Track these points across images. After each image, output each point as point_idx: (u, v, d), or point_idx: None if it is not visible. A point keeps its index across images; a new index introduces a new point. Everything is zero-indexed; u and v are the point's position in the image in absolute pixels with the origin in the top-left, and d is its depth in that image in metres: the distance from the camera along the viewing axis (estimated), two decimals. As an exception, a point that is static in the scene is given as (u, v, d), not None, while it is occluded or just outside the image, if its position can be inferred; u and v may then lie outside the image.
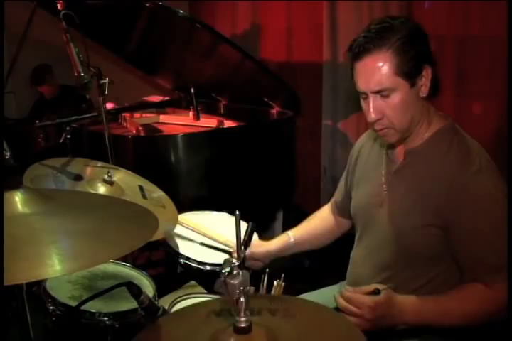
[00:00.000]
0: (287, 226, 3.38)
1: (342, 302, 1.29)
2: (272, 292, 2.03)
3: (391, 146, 1.45)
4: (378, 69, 1.26)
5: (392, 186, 1.43)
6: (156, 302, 1.46)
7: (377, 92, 1.28)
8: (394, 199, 1.42)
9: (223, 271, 0.92)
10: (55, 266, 0.82)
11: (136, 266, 2.86)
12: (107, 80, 2.19)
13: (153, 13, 2.75)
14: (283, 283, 2.01)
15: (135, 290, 1.07)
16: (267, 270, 2.07)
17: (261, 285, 2.06)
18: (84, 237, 0.90)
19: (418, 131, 1.37)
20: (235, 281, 0.91)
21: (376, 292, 1.28)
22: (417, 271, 1.38)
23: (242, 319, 0.92)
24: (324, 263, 1.78)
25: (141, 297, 1.08)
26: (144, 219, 1.00)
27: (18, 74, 3.48)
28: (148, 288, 1.55)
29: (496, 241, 1.30)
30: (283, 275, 2.01)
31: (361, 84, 1.30)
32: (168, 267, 2.27)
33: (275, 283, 2.04)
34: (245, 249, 1.00)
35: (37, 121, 3.05)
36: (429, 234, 1.34)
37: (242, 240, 1.07)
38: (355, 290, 1.30)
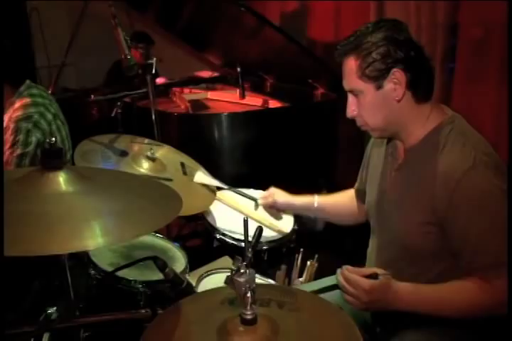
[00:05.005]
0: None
1: (341, 280, 1.33)
2: (305, 271, 2.11)
3: (394, 145, 1.48)
4: (347, 71, 1.36)
5: (394, 184, 1.46)
6: (187, 275, 1.60)
7: (350, 91, 1.39)
8: (395, 197, 1.45)
9: (231, 269, 1.01)
10: (85, 241, 0.95)
11: (181, 235, 3.00)
12: (154, 60, 2.29)
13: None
14: (316, 263, 2.08)
15: (160, 264, 1.18)
16: (302, 249, 2.15)
17: (294, 263, 2.14)
18: (114, 216, 1.02)
19: (413, 130, 1.39)
20: (242, 279, 1.00)
21: (374, 276, 1.30)
22: (422, 267, 1.41)
23: (248, 312, 1.00)
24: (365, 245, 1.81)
25: (167, 270, 1.19)
26: (170, 201, 1.10)
27: (78, 46, 3.64)
28: (181, 260, 1.67)
29: (488, 239, 1.30)
30: (316, 255, 2.08)
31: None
32: (206, 240, 2.38)
33: (308, 262, 2.11)
34: (253, 250, 1.09)
35: (92, 96, 3.22)
36: (428, 232, 1.36)
37: (250, 242, 1.15)
38: (354, 270, 1.33)
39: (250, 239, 1.38)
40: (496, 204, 1.30)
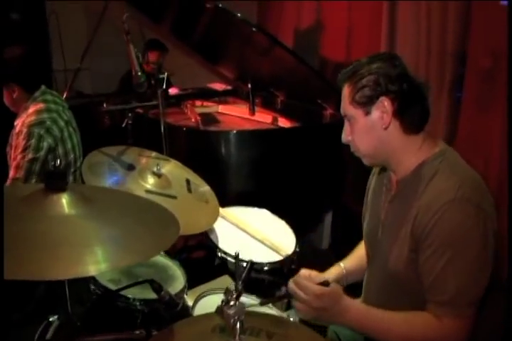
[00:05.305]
0: (336, 228, 3.43)
1: (292, 286, 1.35)
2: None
3: (388, 176, 1.50)
4: (342, 97, 1.42)
5: (387, 215, 1.48)
6: (185, 295, 1.61)
7: (345, 117, 1.44)
8: (387, 228, 1.47)
9: (222, 300, 1.03)
10: (88, 267, 0.97)
11: (187, 246, 3.00)
12: (165, 75, 2.32)
13: (215, 13, 2.87)
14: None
15: (156, 286, 1.21)
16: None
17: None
18: (114, 243, 1.04)
19: (402, 161, 1.41)
20: (231, 311, 1.02)
21: (325, 284, 1.34)
22: (410, 294, 1.41)
23: None
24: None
25: (162, 293, 1.21)
26: (168, 226, 1.12)
27: (94, 50, 3.69)
28: (180, 279, 1.68)
29: (447, 277, 1.29)
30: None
31: None
32: (209, 255, 2.38)
33: None
34: (243, 284, 1.11)
35: (104, 105, 3.26)
36: (413, 260, 1.36)
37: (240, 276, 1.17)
38: (306, 277, 1.37)
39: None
40: (466, 243, 1.29)
